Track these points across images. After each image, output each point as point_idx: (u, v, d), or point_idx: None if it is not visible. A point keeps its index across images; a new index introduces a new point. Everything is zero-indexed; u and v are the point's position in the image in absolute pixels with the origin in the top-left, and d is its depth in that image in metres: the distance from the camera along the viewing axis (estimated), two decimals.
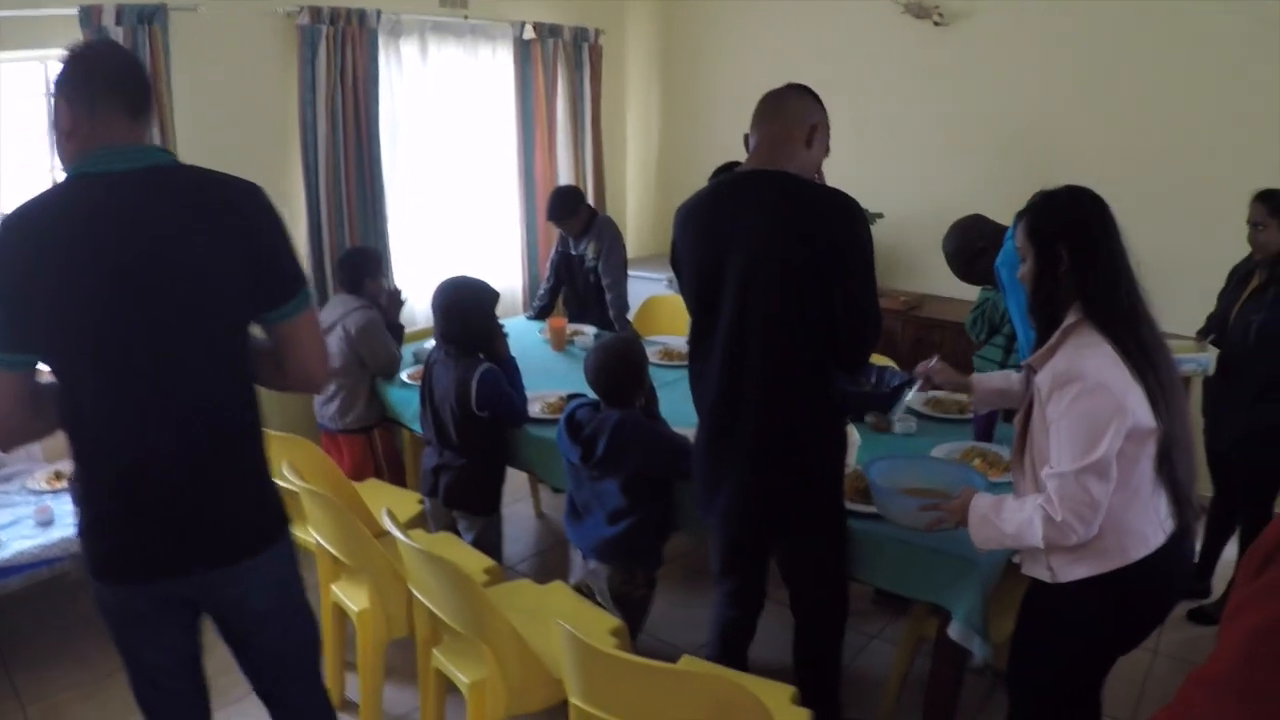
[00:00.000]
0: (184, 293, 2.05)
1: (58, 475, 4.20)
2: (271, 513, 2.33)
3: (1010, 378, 2.96)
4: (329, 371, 2.38)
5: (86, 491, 2.18)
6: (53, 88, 2.10)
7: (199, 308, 2.08)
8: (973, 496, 2.47)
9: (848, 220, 2.63)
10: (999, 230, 3.71)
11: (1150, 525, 2.32)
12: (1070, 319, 2.30)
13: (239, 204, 2.15)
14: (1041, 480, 2.30)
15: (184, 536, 2.16)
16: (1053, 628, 2.47)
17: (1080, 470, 2.18)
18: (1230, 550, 4.37)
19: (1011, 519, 2.32)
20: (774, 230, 2.63)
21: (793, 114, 2.74)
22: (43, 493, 4.12)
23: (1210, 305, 4.20)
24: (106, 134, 2.04)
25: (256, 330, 2.26)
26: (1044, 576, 2.40)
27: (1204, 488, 4.44)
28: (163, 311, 2.04)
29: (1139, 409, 2.20)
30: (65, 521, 3.80)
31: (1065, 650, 2.47)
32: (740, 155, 2.92)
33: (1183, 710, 1.15)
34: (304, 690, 2.52)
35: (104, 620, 2.28)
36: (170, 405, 2.10)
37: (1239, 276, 4.07)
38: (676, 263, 2.93)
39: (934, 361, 3.07)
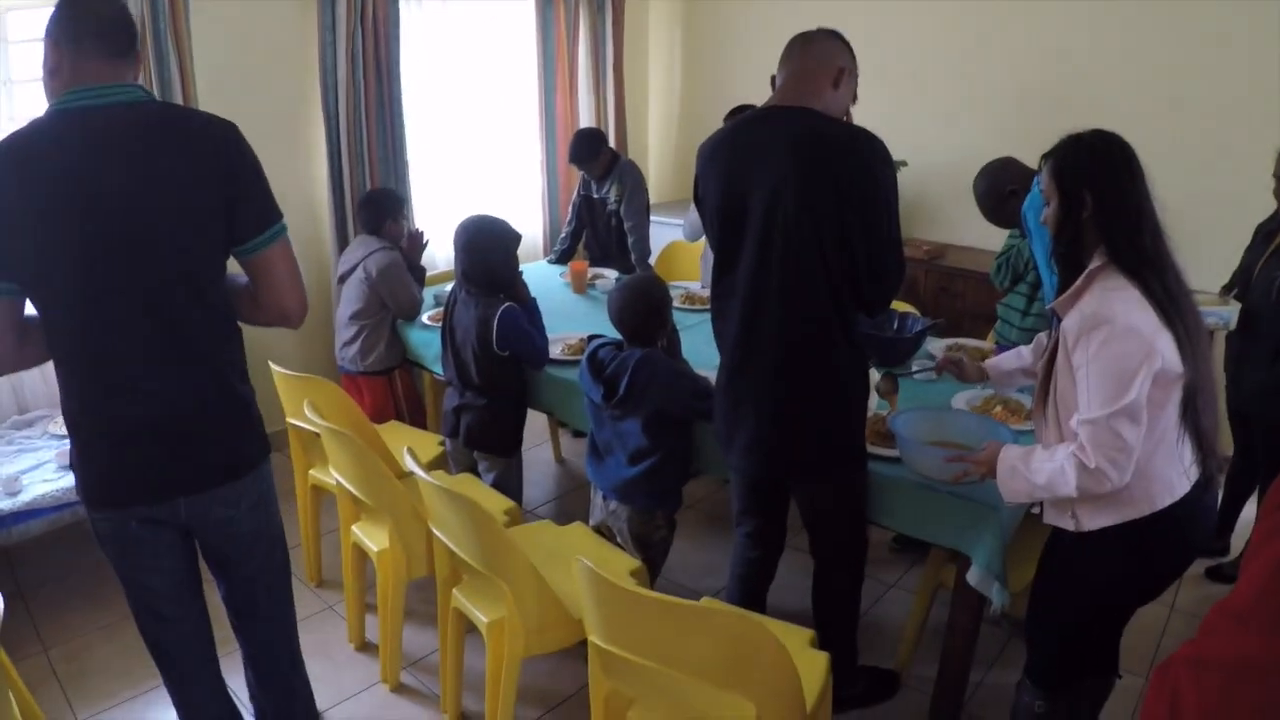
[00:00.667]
0: (159, 222, 2.12)
1: None
2: (253, 438, 2.43)
3: (1022, 354, 2.94)
4: (304, 306, 2.40)
5: (74, 421, 2.26)
6: (44, 30, 2.17)
7: (173, 236, 2.14)
8: (1000, 449, 2.44)
9: (870, 158, 2.59)
10: (1029, 174, 3.67)
11: (1176, 473, 2.30)
12: (1095, 263, 2.26)
13: (214, 139, 2.20)
14: (1068, 428, 2.28)
15: (169, 462, 2.27)
16: (1075, 577, 2.47)
17: (1112, 414, 2.14)
18: (1250, 509, 4.34)
19: (1042, 469, 2.28)
20: (795, 167, 2.59)
21: (820, 54, 2.70)
22: (64, 437, 4.12)
23: (1237, 261, 4.15)
24: (87, 73, 2.11)
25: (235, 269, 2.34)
26: (1068, 526, 2.39)
27: (1225, 445, 4.43)
28: (139, 241, 2.11)
29: (1168, 353, 2.16)
30: None
31: (1086, 600, 2.47)
32: (759, 99, 2.88)
33: (1209, 639, 1.15)
34: (278, 606, 2.66)
35: (102, 549, 2.38)
36: (149, 335, 2.18)
37: (1265, 233, 4.03)
38: (699, 200, 2.90)
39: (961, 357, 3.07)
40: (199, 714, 2.65)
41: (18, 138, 2.08)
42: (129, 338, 2.17)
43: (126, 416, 2.21)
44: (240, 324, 2.40)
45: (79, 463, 2.30)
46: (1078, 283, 2.28)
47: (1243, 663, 1.10)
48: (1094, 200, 2.25)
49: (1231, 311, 3.90)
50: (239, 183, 2.22)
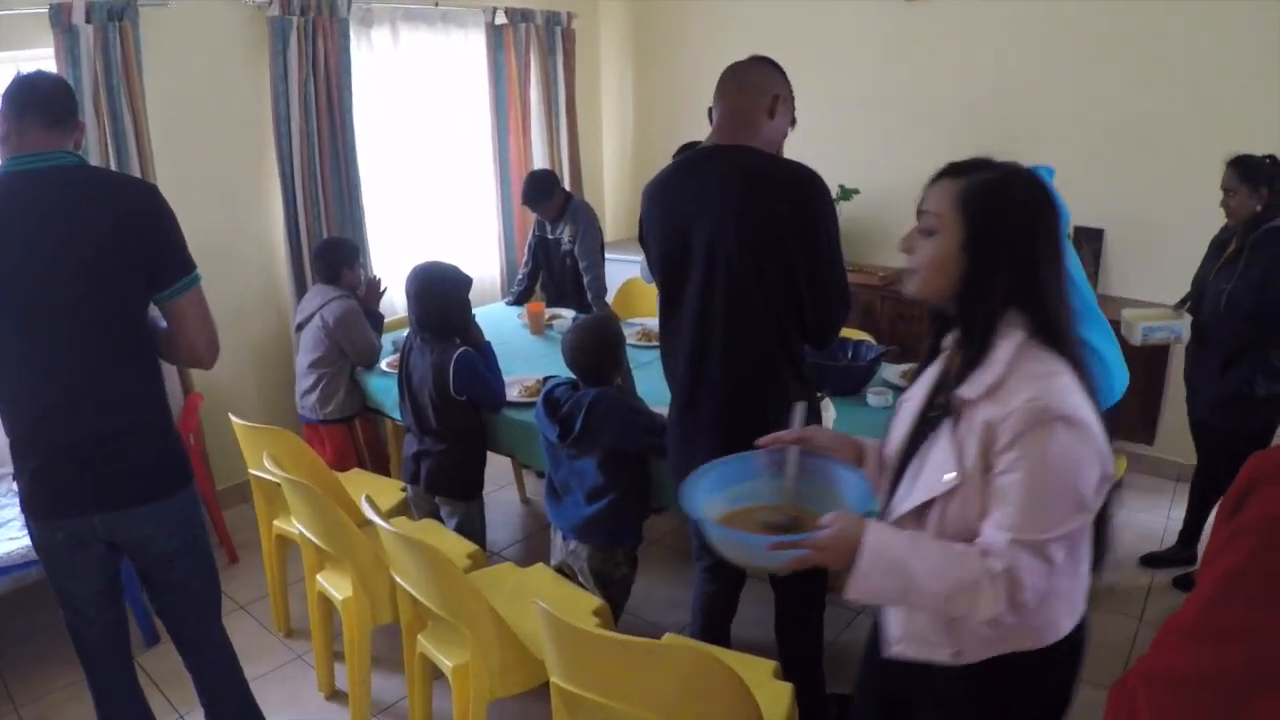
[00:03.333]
0: (81, 270, 2.44)
1: None
2: (168, 466, 2.71)
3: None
4: (214, 349, 2.72)
5: (12, 441, 2.58)
6: None
7: (92, 282, 2.46)
8: (854, 527, 1.74)
9: (808, 193, 2.63)
10: None
11: (1080, 590, 1.87)
12: (1017, 335, 1.74)
13: (134, 199, 2.56)
14: (985, 540, 1.71)
15: (84, 483, 2.56)
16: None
17: (1058, 537, 1.66)
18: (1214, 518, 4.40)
19: (943, 574, 1.69)
20: (735, 205, 2.63)
21: (755, 85, 2.74)
22: None
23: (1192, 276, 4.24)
24: (29, 141, 2.46)
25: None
26: (943, 658, 1.87)
27: (1188, 455, 4.50)
28: (64, 286, 2.43)
29: (1109, 451, 1.72)
30: None
31: None
32: (705, 135, 2.92)
33: (1161, 653, 1.17)
34: (207, 629, 2.93)
35: (36, 553, 2.71)
36: (73, 370, 2.50)
37: (1216, 244, 4.11)
38: (644, 239, 2.94)
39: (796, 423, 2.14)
40: (114, 710, 2.92)
41: None
42: (56, 371, 2.48)
43: (51, 441, 2.53)
44: (165, 363, 2.73)
45: (16, 476, 2.63)
46: (997, 360, 1.74)
47: (1195, 676, 1.12)
48: (1021, 248, 1.75)
49: (1183, 325, 3.97)
50: (156, 238, 2.55)
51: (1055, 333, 1.73)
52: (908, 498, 1.85)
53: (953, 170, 1.81)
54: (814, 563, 1.73)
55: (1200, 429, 4.21)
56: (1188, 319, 4.00)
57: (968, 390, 1.74)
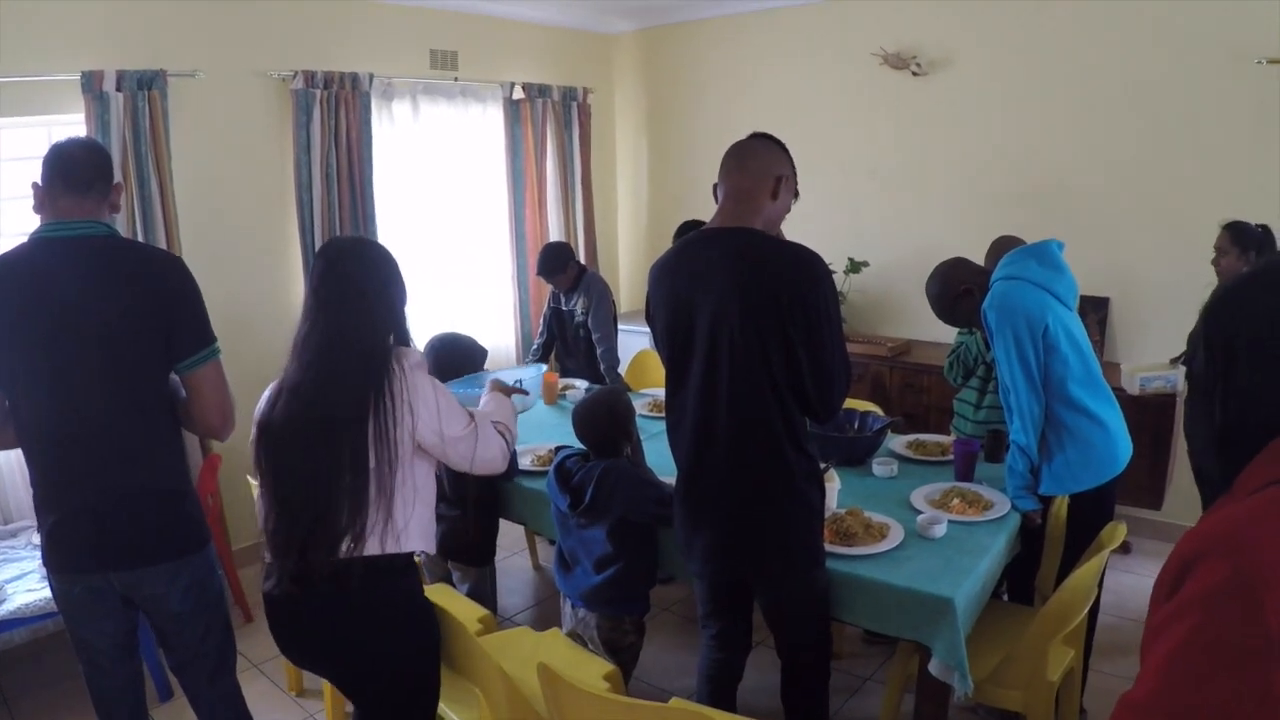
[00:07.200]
0: (100, 336, 2.52)
1: None
2: (184, 528, 2.76)
3: None
4: (228, 422, 2.79)
5: (36, 494, 2.67)
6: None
7: (112, 350, 2.55)
8: None
9: (808, 276, 2.67)
10: (981, 272, 3.72)
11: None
12: None
13: (160, 271, 2.66)
14: None
15: (99, 540, 2.61)
16: None
17: None
18: None
19: None
20: (737, 288, 2.68)
21: (757, 170, 2.79)
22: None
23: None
24: (61, 209, 2.57)
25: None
26: None
27: (1196, 519, 4.52)
28: (82, 350, 2.52)
29: None
30: None
31: None
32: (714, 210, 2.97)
33: None
34: (221, 687, 2.95)
35: (55, 604, 2.77)
36: (94, 432, 2.57)
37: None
38: (651, 318, 3.02)
39: None
40: None
41: (3, 260, 2.54)
42: (76, 434, 2.56)
43: (69, 499, 2.60)
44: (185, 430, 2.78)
45: (39, 528, 2.69)
46: None
47: None
48: None
49: (1177, 375, 4.22)
50: (177, 309, 2.63)
51: None
52: None
53: None
54: None
55: (1200, 472, 4.25)
56: (1181, 370, 4.15)
57: None
